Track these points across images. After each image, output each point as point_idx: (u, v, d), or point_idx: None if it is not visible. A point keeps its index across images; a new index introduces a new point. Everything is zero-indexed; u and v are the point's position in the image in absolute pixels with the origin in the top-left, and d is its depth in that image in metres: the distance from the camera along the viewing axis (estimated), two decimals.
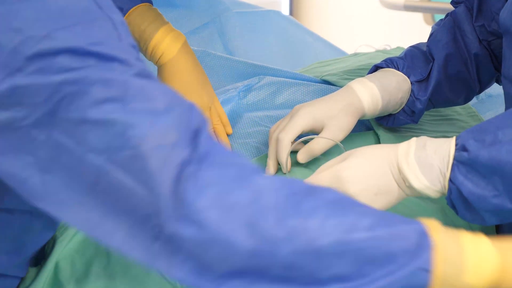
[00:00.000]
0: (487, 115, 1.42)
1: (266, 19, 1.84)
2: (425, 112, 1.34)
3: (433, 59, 1.22)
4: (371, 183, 0.91)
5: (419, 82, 1.21)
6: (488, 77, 1.22)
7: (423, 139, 0.92)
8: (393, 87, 1.18)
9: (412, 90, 1.21)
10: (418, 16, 2.78)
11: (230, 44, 1.72)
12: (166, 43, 1.19)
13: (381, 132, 1.26)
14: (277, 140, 1.14)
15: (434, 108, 1.27)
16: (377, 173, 0.91)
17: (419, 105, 1.21)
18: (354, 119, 1.16)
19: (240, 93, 1.35)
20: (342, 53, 1.99)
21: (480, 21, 1.18)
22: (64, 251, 1.03)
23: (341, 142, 1.14)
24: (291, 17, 1.99)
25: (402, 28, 3.17)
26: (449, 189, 0.88)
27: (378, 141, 1.25)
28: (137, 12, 1.20)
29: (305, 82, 1.39)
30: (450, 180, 0.88)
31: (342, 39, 2.95)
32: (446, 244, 0.71)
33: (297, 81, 1.39)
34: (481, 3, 1.18)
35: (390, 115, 1.24)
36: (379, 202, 0.92)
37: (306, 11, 3.46)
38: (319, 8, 3.45)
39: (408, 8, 2.37)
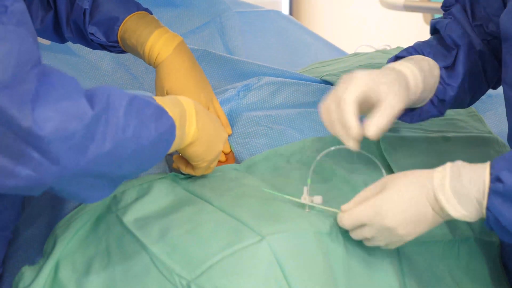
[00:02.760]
0: (487, 115, 1.42)
1: (266, 19, 1.85)
2: None
3: (457, 46, 1.14)
4: (409, 215, 0.93)
5: (447, 69, 1.14)
6: (494, 74, 1.19)
7: (458, 166, 0.92)
8: (427, 71, 1.11)
9: (441, 77, 1.12)
10: (418, 16, 2.78)
11: (230, 43, 1.72)
12: (161, 43, 1.20)
13: None
14: (340, 102, 0.96)
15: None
16: (415, 205, 0.93)
17: (450, 92, 1.13)
18: (407, 95, 1.03)
19: (240, 93, 1.35)
20: (342, 53, 1.99)
21: (478, 21, 1.17)
22: (64, 251, 1.03)
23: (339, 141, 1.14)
24: (291, 17, 2.00)
25: (402, 28, 3.18)
26: (487, 216, 0.90)
27: (377, 141, 1.25)
28: (133, 19, 1.22)
29: (305, 82, 1.39)
30: (487, 208, 0.89)
31: (342, 39, 2.95)
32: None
33: (296, 81, 1.39)
34: (473, 4, 1.16)
35: (413, 109, 1.15)
36: (417, 230, 0.94)
37: (306, 11, 3.46)
38: (319, 8, 3.46)
39: (408, 8, 2.37)
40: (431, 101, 1.12)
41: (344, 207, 0.97)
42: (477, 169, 0.91)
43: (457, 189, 0.90)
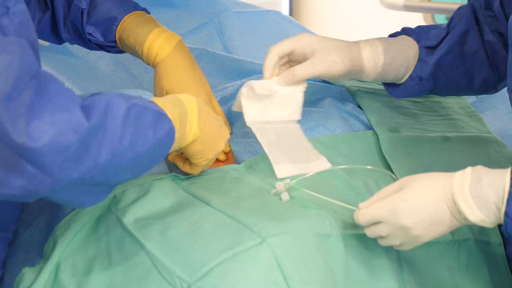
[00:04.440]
0: (486, 114, 1.42)
1: (266, 19, 1.84)
2: (424, 112, 1.34)
3: (450, 31, 1.21)
4: (426, 216, 0.92)
5: (428, 48, 1.21)
6: (504, 65, 1.18)
7: (478, 171, 0.92)
8: (398, 47, 1.19)
9: (419, 55, 1.21)
10: (418, 16, 2.78)
11: (229, 43, 1.72)
12: (160, 43, 1.21)
13: (380, 131, 1.26)
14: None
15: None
16: (432, 206, 0.92)
17: (426, 69, 1.20)
18: (346, 65, 1.17)
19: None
20: None
21: (492, 12, 1.17)
22: (65, 252, 1.03)
23: (340, 140, 1.14)
24: (291, 17, 1.99)
25: None
26: (505, 222, 0.90)
27: (377, 141, 1.25)
28: (131, 19, 1.22)
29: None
30: (506, 214, 0.89)
31: (342, 39, 2.94)
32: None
33: None
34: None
35: (397, 85, 1.24)
36: (433, 232, 0.93)
37: (306, 11, 3.46)
38: (319, 8, 3.45)
39: (408, 8, 2.36)
40: (411, 77, 1.21)
41: (362, 204, 0.97)
42: (498, 174, 0.90)
43: (477, 193, 0.90)
